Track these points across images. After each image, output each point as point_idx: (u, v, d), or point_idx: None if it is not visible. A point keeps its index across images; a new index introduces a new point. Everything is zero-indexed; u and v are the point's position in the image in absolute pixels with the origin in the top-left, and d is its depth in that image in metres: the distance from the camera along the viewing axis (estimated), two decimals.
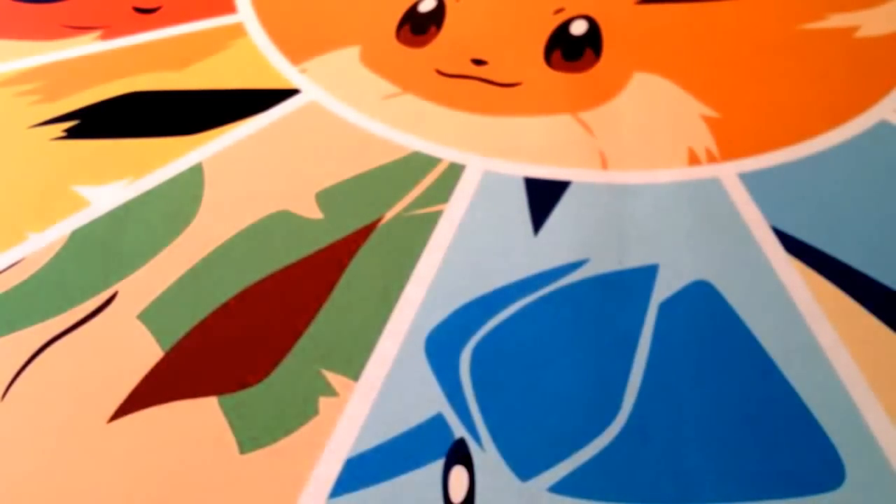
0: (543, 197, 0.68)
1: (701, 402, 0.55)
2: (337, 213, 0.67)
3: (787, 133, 0.72)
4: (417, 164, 0.71)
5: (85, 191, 0.71)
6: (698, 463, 0.52)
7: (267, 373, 0.58)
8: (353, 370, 0.58)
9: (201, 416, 0.56)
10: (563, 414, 0.55)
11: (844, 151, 0.70)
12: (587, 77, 0.78)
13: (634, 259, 0.63)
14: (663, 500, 0.51)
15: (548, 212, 0.67)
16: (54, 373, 0.59)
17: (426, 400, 0.56)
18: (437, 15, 0.85)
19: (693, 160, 0.70)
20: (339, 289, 0.62)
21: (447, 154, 0.72)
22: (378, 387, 0.57)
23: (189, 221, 0.68)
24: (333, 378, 0.57)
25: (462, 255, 0.64)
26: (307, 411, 0.56)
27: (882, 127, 0.72)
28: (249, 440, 0.55)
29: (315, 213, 0.68)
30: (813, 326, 0.58)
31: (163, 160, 0.73)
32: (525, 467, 0.53)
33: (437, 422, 0.55)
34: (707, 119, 0.74)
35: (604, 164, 0.70)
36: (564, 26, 0.82)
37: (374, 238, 0.66)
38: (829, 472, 0.52)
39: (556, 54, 0.80)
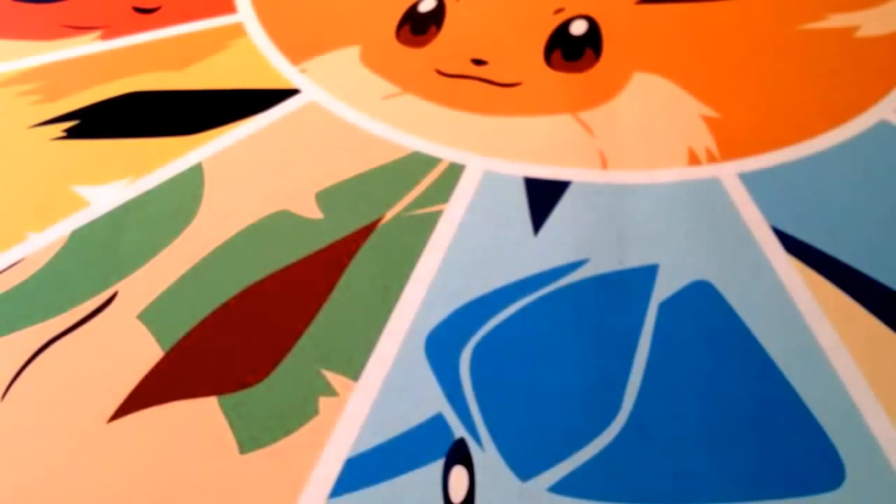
0: (543, 197, 0.68)
1: (701, 402, 0.55)
2: (337, 213, 0.67)
3: (787, 133, 0.72)
4: (417, 164, 0.71)
5: (85, 191, 0.71)
6: (698, 463, 0.52)
7: (267, 373, 0.58)
8: (353, 370, 0.58)
9: (201, 415, 0.56)
10: (562, 414, 0.55)
11: (844, 151, 0.70)
12: (587, 77, 0.78)
13: (634, 259, 0.63)
14: (663, 500, 0.51)
15: (548, 212, 0.67)
16: (54, 373, 0.59)
17: (426, 400, 0.56)
18: (437, 15, 0.85)
19: (693, 160, 0.70)
20: (339, 289, 0.62)
21: (447, 154, 0.72)
22: (378, 387, 0.57)
23: (189, 221, 0.68)
24: (333, 378, 0.57)
25: (462, 255, 0.64)
26: (307, 411, 0.56)
27: (882, 127, 0.72)
28: (249, 440, 0.55)
29: (315, 213, 0.68)
30: (813, 326, 0.58)
31: (163, 160, 0.73)
32: (525, 467, 0.53)
33: (437, 422, 0.55)
34: (707, 119, 0.74)
35: (604, 164, 0.70)
36: (564, 26, 0.82)
37: (374, 238, 0.66)
38: (829, 472, 0.52)
39: (556, 54, 0.80)
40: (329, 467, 0.53)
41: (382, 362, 0.58)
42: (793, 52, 0.80)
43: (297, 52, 0.83)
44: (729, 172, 0.69)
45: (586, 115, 0.74)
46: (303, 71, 0.81)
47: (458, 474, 0.52)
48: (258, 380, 0.58)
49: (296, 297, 0.62)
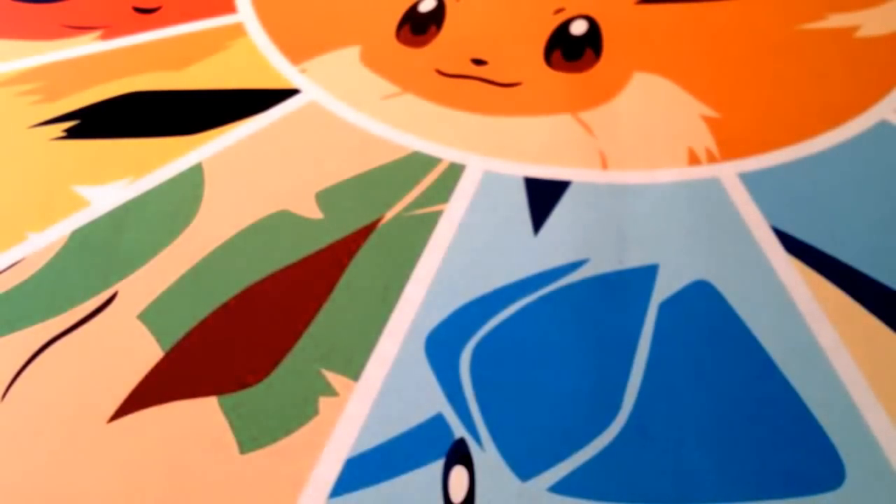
0: (543, 197, 0.68)
1: (701, 402, 0.55)
2: (337, 213, 0.67)
3: (787, 133, 0.72)
4: (417, 164, 0.71)
5: (85, 191, 0.71)
6: (698, 463, 0.52)
7: (267, 373, 0.58)
8: (353, 370, 0.58)
9: (201, 416, 0.56)
10: (562, 414, 0.55)
11: (844, 151, 0.70)
12: (587, 77, 0.78)
13: (634, 259, 0.63)
14: (663, 500, 0.51)
15: (548, 212, 0.67)
16: (54, 373, 0.59)
17: (426, 400, 0.56)
18: (437, 15, 0.85)
19: (693, 160, 0.70)
20: (339, 289, 0.62)
21: (447, 154, 0.72)
22: (378, 387, 0.57)
23: (189, 221, 0.68)
24: (333, 378, 0.57)
25: (462, 255, 0.64)
26: (307, 411, 0.56)
27: (882, 127, 0.72)
28: (249, 440, 0.55)
29: (315, 213, 0.68)
30: (813, 326, 0.58)
31: (163, 160, 0.73)
32: (525, 467, 0.53)
33: (437, 422, 0.55)
34: (707, 119, 0.74)
35: (604, 164, 0.70)
36: (564, 26, 0.82)
37: (374, 238, 0.66)
38: (829, 472, 0.52)
39: (557, 54, 0.80)
40: (329, 467, 0.53)
41: (382, 362, 0.58)
42: (793, 52, 0.80)
43: (297, 52, 0.83)
44: (729, 172, 0.69)
45: (586, 115, 0.74)
46: (303, 71, 0.81)
47: (458, 474, 0.52)
48: (258, 380, 0.58)
49: (296, 297, 0.62)
